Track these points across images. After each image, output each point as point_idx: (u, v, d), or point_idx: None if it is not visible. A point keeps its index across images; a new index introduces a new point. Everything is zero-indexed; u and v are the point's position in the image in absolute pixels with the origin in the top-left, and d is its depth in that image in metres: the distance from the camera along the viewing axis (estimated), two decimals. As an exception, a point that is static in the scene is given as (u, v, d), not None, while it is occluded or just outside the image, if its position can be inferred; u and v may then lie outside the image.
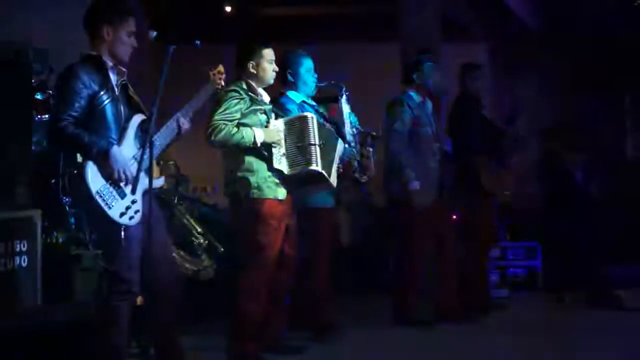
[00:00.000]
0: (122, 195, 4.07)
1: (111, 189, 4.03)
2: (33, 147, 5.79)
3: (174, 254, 5.17)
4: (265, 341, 5.15)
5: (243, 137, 4.89)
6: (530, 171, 8.93)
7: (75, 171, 4.01)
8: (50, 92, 5.83)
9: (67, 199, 5.33)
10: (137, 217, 4.10)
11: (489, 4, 9.25)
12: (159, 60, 4.20)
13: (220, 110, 4.88)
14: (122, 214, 4.04)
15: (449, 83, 6.79)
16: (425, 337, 5.93)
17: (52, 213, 5.46)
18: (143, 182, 4.12)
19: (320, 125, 5.16)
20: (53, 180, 5.57)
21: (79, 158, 4.02)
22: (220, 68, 4.69)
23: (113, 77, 4.22)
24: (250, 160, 4.97)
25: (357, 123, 5.83)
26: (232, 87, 4.93)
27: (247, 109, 4.96)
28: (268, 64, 5.09)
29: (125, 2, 4.36)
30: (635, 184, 9.39)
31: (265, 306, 5.03)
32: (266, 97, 5.15)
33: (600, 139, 9.38)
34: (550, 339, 5.84)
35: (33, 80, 5.94)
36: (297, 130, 5.06)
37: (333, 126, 5.56)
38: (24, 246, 5.17)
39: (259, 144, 4.92)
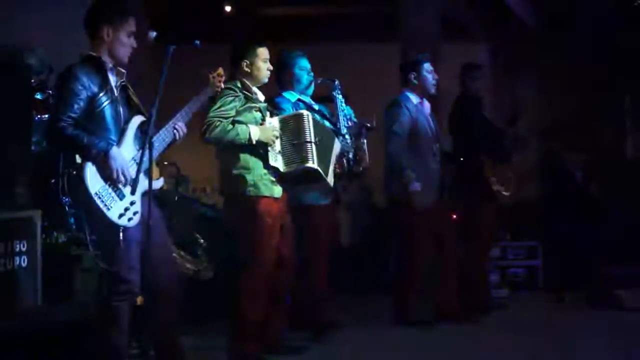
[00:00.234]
0: (121, 197, 4.06)
1: (110, 190, 4.03)
2: (33, 147, 5.78)
3: (174, 254, 5.16)
4: (266, 341, 5.15)
5: (238, 133, 4.89)
6: (530, 171, 8.94)
7: (74, 172, 4.00)
8: (50, 92, 5.82)
9: (66, 199, 5.32)
10: (136, 218, 4.09)
11: (489, 3, 9.25)
12: (159, 60, 4.19)
13: (215, 108, 4.88)
14: (120, 215, 4.03)
15: (449, 83, 6.79)
16: (425, 337, 5.93)
17: (52, 213, 5.45)
18: (142, 183, 4.12)
19: (316, 123, 5.17)
20: (53, 180, 5.56)
21: (78, 159, 4.02)
22: (220, 71, 4.70)
23: (112, 78, 4.22)
24: (246, 158, 4.97)
25: (353, 115, 5.84)
26: (227, 86, 4.93)
27: (242, 106, 4.97)
28: (262, 62, 5.09)
29: (125, 2, 4.36)
30: (635, 184, 9.39)
31: (265, 306, 5.03)
32: (261, 96, 5.15)
33: (600, 138, 9.39)
34: (551, 339, 5.84)
35: (33, 80, 5.94)
36: (292, 128, 5.06)
37: (330, 124, 5.57)
38: (23, 246, 5.17)
39: (254, 141, 4.91)
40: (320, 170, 5.08)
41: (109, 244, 4.04)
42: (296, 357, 5.27)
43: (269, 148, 4.98)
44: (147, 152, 4.04)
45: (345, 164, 5.63)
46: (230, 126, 4.89)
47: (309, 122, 5.08)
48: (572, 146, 9.12)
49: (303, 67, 5.70)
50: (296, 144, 5.03)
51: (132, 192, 4.09)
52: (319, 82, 5.76)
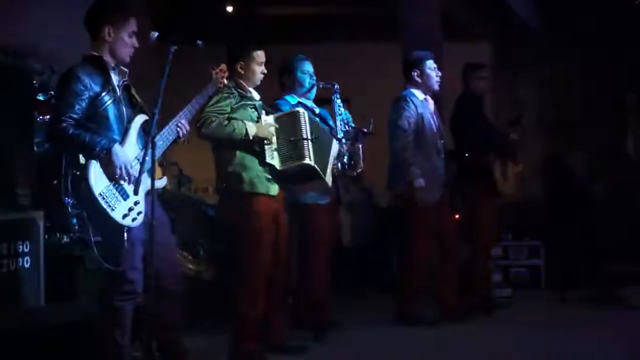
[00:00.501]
0: (125, 197, 4.07)
1: (114, 190, 4.03)
2: (35, 148, 5.79)
3: (178, 255, 5.17)
4: (270, 340, 5.16)
5: (235, 129, 4.89)
6: (532, 170, 8.94)
7: (78, 173, 4.01)
8: (52, 92, 5.83)
9: (69, 200, 5.32)
10: (140, 218, 4.09)
11: (491, 3, 9.25)
12: (161, 60, 4.19)
13: (210, 104, 4.88)
14: (125, 216, 4.03)
15: (451, 82, 6.79)
16: (427, 337, 5.93)
17: (54, 214, 5.46)
18: (146, 183, 4.12)
19: (311, 121, 5.17)
20: (55, 181, 5.56)
21: (82, 160, 4.01)
22: (223, 67, 4.72)
23: (115, 77, 4.22)
24: (242, 155, 4.97)
25: (351, 120, 5.85)
26: None
27: (237, 103, 4.98)
28: (257, 66, 5.10)
29: (127, 2, 4.36)
30: (637, 183, 9.39)
31: (266, 305, 5.03)
32: (256, 95, 5.15)
33: (602, 138, 9.39)
34: (553, 338, 5.84)
35: (35, 81, 5.94)
36: (288, 125, 5.07)
37: (328, 127, 5.59)
38: (26, 247, 5.17)
39: (251, 137, 4.91)
40: (318, 168, 5.09)
41: (113, 244, 4.04)
42: (297, 357, 5.27)
43: (265, 145, 4.98)
44: (149, 151, 4.05)
45: (340, 167, 5.63)
46: (227, 122, 4.90)
47: (304, 119, 5.08)
48: (574, 145, 9.13)
49: (305, 71, 5.72)
50: (292, 141, 5.02)
51: (135, 192, 4.09)
52: (320, 86, 5.77)
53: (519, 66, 10.06)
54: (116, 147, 4.05)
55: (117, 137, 4.14)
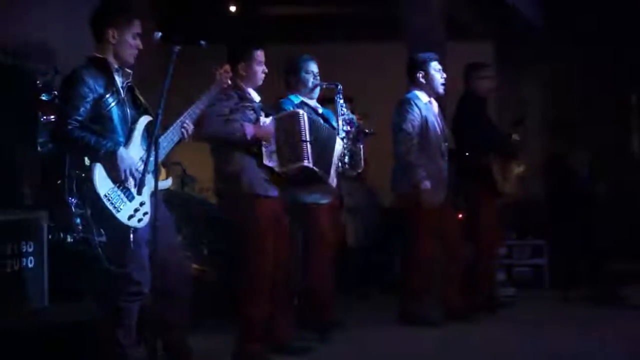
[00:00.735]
0: (130, 198, 4.07)
1: (119, 192, 4.04)
2: (39, 148, 5.80)
3: (183, 255, 5.17)
4: (275, 341, 5.16)
5: (233, 131, 4.89)
6: (536, 170, 8.93)
7: (83, 174, 4.01)
8: (56, 93, 5.83)
9: (73, 200, 5.33)
10: (146, 219, 4.10)
11: (493, 2, 9.24)
12: (164, 61, 4.20)
13: (208, 106, 4.88)
14: (130, 217, 4.04)
15: (453, 82, 6.79)
16: (431, 336, 5.93)
17: (58, 214, 5.46)
18: (150, 184, 4.12)
19: (312, 122, 5.16)
20: (59, 181, 5.57)
21: (87, 161, 4.02)
22: (227, 67, 4.71)
23: (119, 79, 4.23)
24: (241, 156, 4.96)
25: (355, 119, 5.85)
26: None
27: (235, 104, 4.97)
28: (257, 66, 5.10)
29: (131, 4, 4.37)
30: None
31: (270, 306, 5.03)
32: (256, 97, 5.15)
33: (606, 137, 9.38)
34: (556, 337, 5.84)
35: (38, 82, 5.95)
36: (287, 127, 5.06)
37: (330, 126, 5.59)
38: (30, 247, 5.17)
39: (249, 138, 4.91)
40: (317, 170, 5.08)
41: (119, 245, 4.04)
42: (301, 357, 5.27)
43: (264, 147, 4.97)
44: (153, 153, 4.05)
45: (340, 167, 5.63)
46: (224, 123, 4.89)
47: (304, 121, 5.08)
48: (577, 145, 9.12)
49: (309, 71, 5.71)
50: (291, 143, 5.02)
51: (138, 193, 4.10)
52: (323, 86, 5.77)
53: (522, 66, 10.05)
54: (121, 150, 4.06)
55: (121, 138, 4.15)
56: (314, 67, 5.74)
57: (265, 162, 4.96)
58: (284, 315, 5.27)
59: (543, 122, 9.48)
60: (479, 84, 6.86)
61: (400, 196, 6.40)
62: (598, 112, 9.51)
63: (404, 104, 6.29)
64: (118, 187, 4.04)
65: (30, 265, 5.16)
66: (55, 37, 6.36)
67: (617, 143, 9.71)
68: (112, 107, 4.14)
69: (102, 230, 4.07)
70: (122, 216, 4.02)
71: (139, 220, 4.07)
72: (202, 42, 4.32)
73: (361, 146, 5.80)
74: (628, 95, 9.91)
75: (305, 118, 5.11)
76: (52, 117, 5.69)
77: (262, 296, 4.98)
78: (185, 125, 4.32)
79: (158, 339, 4.25)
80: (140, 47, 4.27)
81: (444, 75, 6.39)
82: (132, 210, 4.06)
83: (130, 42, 4.22)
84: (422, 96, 6.34)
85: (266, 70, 5.14)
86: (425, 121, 6.26)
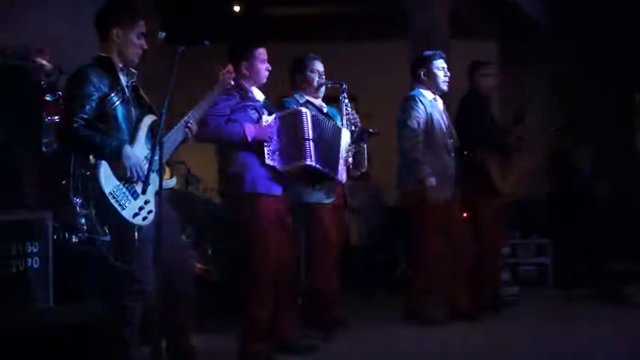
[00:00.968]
0: (135, 196, 4.09)
1: (124, 189, 4.05)
2: (44, 148, 5.80)
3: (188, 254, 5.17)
4: (280, 340, 5.16)
5: (232, 132, 4.89)
6: (540, 168, 8.92)
7: (88, 173, 4.03)
8: (60, 93, 5.84)
9: (77, 200, 5.34)
10: (151, 217, 4.11)
11: (498, 0, 9.23)
12: (168, 60, 4.20)
13: (209, 106, 4.88)
14: (135, 215, 4.05)
15: (456, 80, 6.79)
16: (435, 335, 5.93)
17: (63, 214, 5.47)
18: (155, 182, 4.13)
19: (315, 120, 5.16)
20: (64, 181, 5.58)
21: (92, 160, 4.03)
22: (229, 67, 4.71)
23: (123, 78, 4.24)
24: (243, 156, 4.96)
25: (358, 119, 5.85)
26: None
27: (236, 104, 4.97)
28: (260, 64, 5.10)
29: (136, 4, 4.38)
30: (643, 182, 9.37)
31: (273, 305, 5.03)
32: (260, 96, 5.15)
33: (609, 136, 9.37)
34: (560, 336, 5.83)
35: (42, 82, 5.95)
36: (290, 126, 5.06)
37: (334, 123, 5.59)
38: (35, 247, 5.16)
39: (249, 139, 4.91)
40: (319, 167, 5.08)
41: (124, 244, 4.06)
42: (305, 357, 5.27)
43: (266, 146, 4.97)
44: (157, 151, 4.06)
45: (349, 161, 5.64)
46: (225, 124, 4.90)
47: (307, 119, 5.08)
48: (581, 143, 9.11)
49: (315, 70, 5.72)
50: (294, 142, 5.02)
51: (143, 192, 4.10)
52: (328, 85, 5.77)
53: (525, 64, 10.04)
54: (127, 148, 4.07)
55: (125, 137, 4.16)
56: (319, 66, 5.75)
57: (268, 161, 4.97)
58: (288, 315, 5.26)
59: (546, 121, 9.46)
60: (482, 81, 6.87)
61: (406, 193, 6.40)
62: (601, 110, 9.50)
63: (409, 101, 6.29)
64: (123, 185, 4.05)
65: (35, 266, 5.16)
66: (59, 37, 6.36)
67: (620, 141, 9.69)
68: (117, 106, 4.15)
69: (106, 228, 4.08)
70: (127, 214, 4.03)
71: (144, 219, 4.08)
72: (206, 42, 4.33)
73: (365, 146, 5.81)
74: (631, 93, 9.89)
75: (308, 116, 5.11)
76: (57, 117, 5.70)
77: (266, 295, 4.98)
78: (189, 125, 4.32)
79: (162, 339, 4.25)
80: (145, 46, 4.28)
81: (448, 74, 6.38)
82: (137, 208, 4.07)
83: (134, 41, 4.24)
84: (426, 93, 6.34)
85: (270, 68, 5.14)
86: (430, 118, 6.26)
